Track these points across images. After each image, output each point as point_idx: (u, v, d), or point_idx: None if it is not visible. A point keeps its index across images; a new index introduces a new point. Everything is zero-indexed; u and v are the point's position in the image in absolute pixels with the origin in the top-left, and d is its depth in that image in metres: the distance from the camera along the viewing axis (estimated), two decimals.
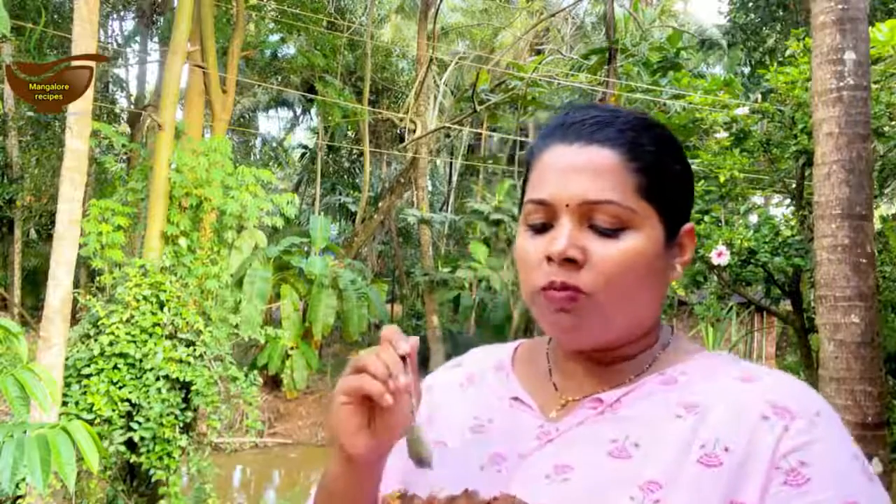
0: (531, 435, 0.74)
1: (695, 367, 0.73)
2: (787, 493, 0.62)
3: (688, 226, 0.76)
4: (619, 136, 0.72)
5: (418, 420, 0.73)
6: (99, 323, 6.27)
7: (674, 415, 0.68)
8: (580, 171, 0.71)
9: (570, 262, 0.69)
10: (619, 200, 0.70)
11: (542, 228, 0.72)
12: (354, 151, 21.66)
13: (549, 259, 0.70)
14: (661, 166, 0.73)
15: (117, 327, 6.16)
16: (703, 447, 0.65)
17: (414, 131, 14.34)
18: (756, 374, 0.70)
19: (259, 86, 19.43)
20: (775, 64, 4.97)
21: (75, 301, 6.03)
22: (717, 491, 0.63)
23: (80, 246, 5.73)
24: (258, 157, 24.25)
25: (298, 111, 23.43)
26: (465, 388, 0.84)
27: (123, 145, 8.61)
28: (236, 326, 7.43)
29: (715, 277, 4.87)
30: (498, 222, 14.04)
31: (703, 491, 0.63)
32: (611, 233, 0.70)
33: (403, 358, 0.67)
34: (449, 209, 20.88)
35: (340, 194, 21.93)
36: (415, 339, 0.69)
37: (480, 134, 17.65)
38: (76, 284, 6.58)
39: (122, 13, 18.69)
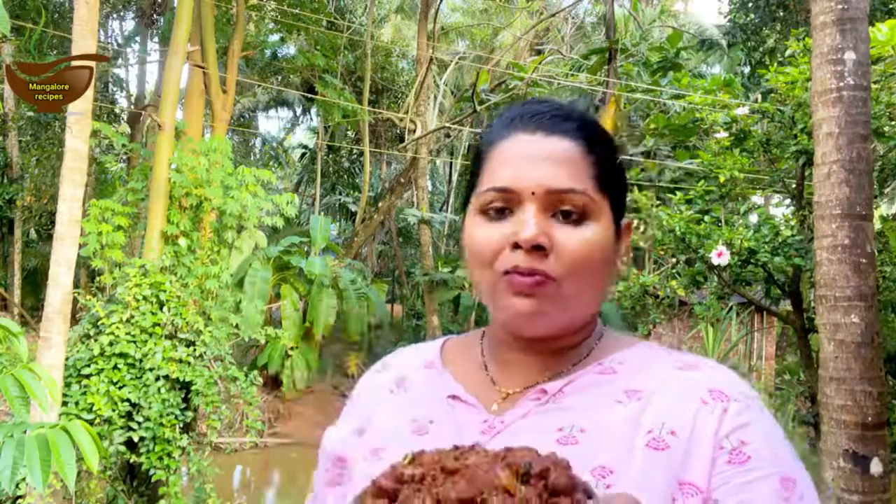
0: (476, 430, 0.73)
1: (632, 356, 0.76)
2: (731, 471, 0.65)
3: (625, 221, 0.78)
4: (578, 129, 0.74)
5: (354, 429, 0.75)
6: (99, 323, 6.26)
7: (615, 401, 0.70)
8: (544, 159, 0.72)
9: (537, 249, 0.69)
10: (582, 189, 0.71)
11: (499, 215, 0.72)
12: (354, 151, 21.66)
13: (516, 245, 0.70)
14: (611, 161, 0.76)
15: (117, 327, 6.16)
16: (649, 432, 0.67)
17: (414, 131, 14.33)
18: (692, 363, 0.73)
19: (259, 86, 19.43)
20: (775, 64, 4.97)
21: (75, 301, 6.03)
22: (666, 472, 0.65)
23: (80, 246, 5.73)
24: (258, 157, 24.26)
25: (298, 111, 23.44)
26: (396, 394, 0.83)
27: (123, 145, 8.61)
28: (236, 326, 7.42)
29: (715, 277, 4.87)
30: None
31: (652, 473, 0.65)
32: (574, 221, 0.71)
33: None
34: (449, 209, 20.88)
35: (340, 194, 21.94)
36: None
37: (480, 134, 17.61)
38: (76, 284, 6.58)
39: (122, 13, 18.69)
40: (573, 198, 0.71)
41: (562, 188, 0.71)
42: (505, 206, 0.72)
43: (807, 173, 4.61)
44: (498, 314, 0.75)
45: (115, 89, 18.61)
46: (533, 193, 0.71)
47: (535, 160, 0.72)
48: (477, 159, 0.78)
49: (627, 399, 0.70)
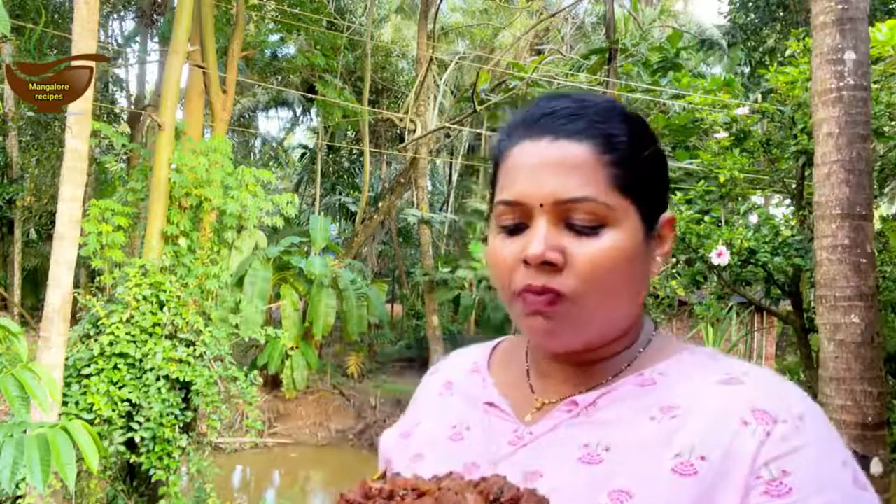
0: (505, 440, 0.72)
1: (674, 366, 0.70)
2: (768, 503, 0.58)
3: (666, 215, 0.72)
4: (591, 127, 0.67)
5: (401, 432, 0.77)
6: (99, 323, 6.26)
7: (648, 417, 0.65)
8: (552, 167, 0.67)
9: (548, 265, 0.66)
10: (596, 196, 0.66)
11: (515, 229, 0.69)
12: (354, 151, 21.66)
13: (527, 262, 0.66)
14: (636, 157, 0.68)
15: (117, 327, 6.16)
16: (678, 455, 0.62)
17: (414, 131, 14.33)
18: (737, 376, 0.66)
19: (259, 86, 19.43)
20: (775, 64, 4.97)
21: (75, 301, 6.03)
22: (691, 501, 0.60)
23: (80, 246, 5.73)
24: (258, 157, 24.27)
25: (298, 111, 23.43)
26: (444, 397, 0.82)
27: (123, 145, 8.61)
28: (236, 326, 7.42)
29: (715, 277, 4.87)
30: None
31: (675, 501, 0.60)
32: (589, 231, 0.66)
33: None
34: (449, 209, 20.88)
35: (340, 194, 21.94)
36: None
37: (480, 134, 17.64)
38: (76, 284, 6.58)
39: (122, 13, 18.69)
40: (585, 206, 0.66)
41: (571, 197, 0.66)
42: (519, 219, 0.68)
43: (807, 173, 4.61)
44: (522, 331, 0.73)
45: (115, 89, 18.62)
46: (542, 206, 0.66)
47: (542, 169, 0.67)
48: (493, 167, 0.74)
49: (661, 415, 0.65)
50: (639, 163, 0.69)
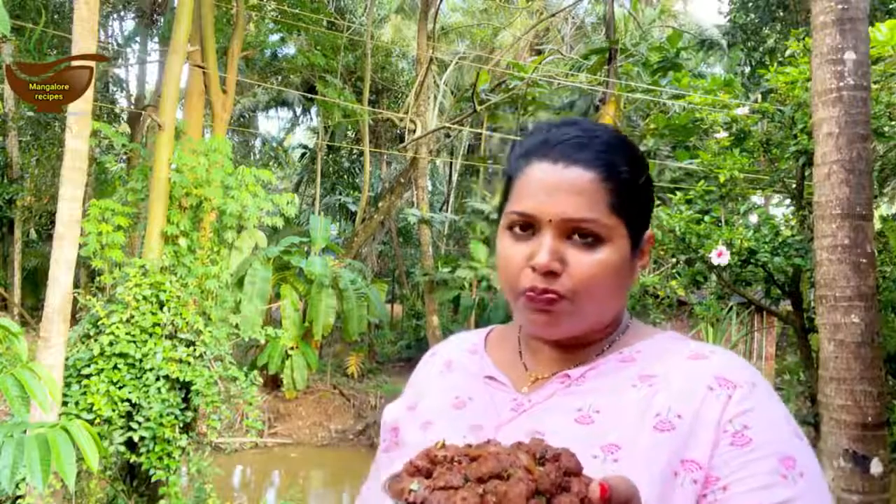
0: (507, 407, 0.84)
1: (650, 346, 0.84)
2: (733, 452, 0.72)
3: (648, 232, 0.87)
4: (597, 157, 0.80)
5: (407, 405, 0.90)
6: (99, 323, 6.26)
7: (630, 385, 0.79)
8: (563, 190, 0.79)
9: (550, 273, 0.78)
10: (596, 218, 0.79)
11: (524, 233, 0.82)
12: (354, 151, 21.67)
13: (534, 268, 0.79)
14: (631, 184, 0.82)
15: (117, 327, 6.16)
16: (657, 415, 0.74)
17: (414, 131, 14.32)
18: (703, 353, 0.80)
19: (259, 86, 19.42)
20: (775, 64, 4.96)
21: (75, 301, 6.03)
22: (670, 451, 0.72)
23: (80, 246, 5.72)
24: (258, 157, 24.26)
25: (298, 111, 23.43)
26: (445, 374, 0.95)
27: (123, 145, 8.61)
28: (236, 326, 7.42)
29: (715, 277, 4.87)
30: (498, 222, 14.02)
31: (656, 451, 0.72)
32: (588, 246, 0.79)
33: None
34: (449, 209, 20.87)
35: (340, 194, 21.94)
36: None
37: (480, 134, 17.64)
38: (76, 284, 6.58)
39: (122, 13, 18.69)
40: (587, 225, 0.79)
41: (576, 217, 0.79)
42: (528, 227, 0.81)
43: (807, 173, 4.61)
44: (523, 325, 0.86)
45: (115, 89, 18.61)
46: (550, 221, 0.79)
47: (554, 190, 0.80)
48: (507, 179, 0.87)
49: (641, 384, 0.78)
50: (633, 189, 0.82)
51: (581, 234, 0.79)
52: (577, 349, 0.85)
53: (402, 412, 0.94)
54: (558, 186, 0.80)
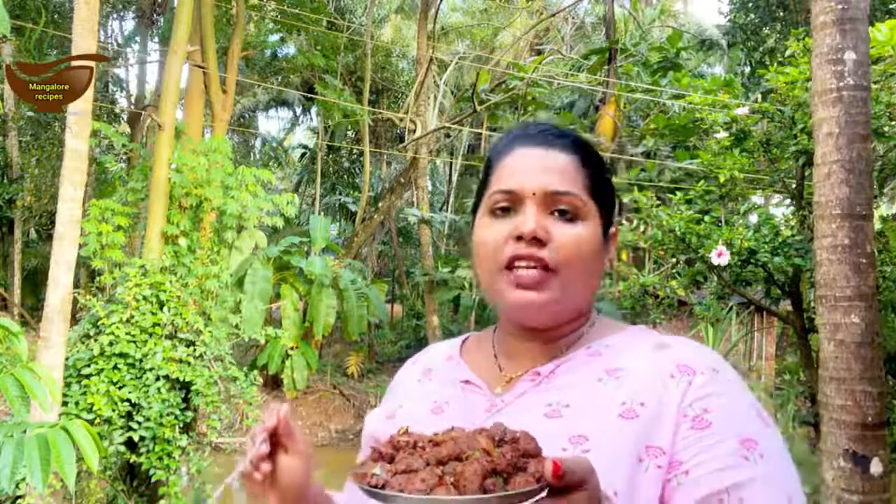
0: (482, 409, 0.86)
1: (617, 339, 0.87)
2: (694, 436, 0.74)
3: (613, 229, 0.91)
4: (574, 145, 0.88)
5: (386, 414, 0.93)
6: (99, 323, 6.26)
7: (597, 379, 0.81)
8: (545, 167, 0.85)
9: (536, 241, 0.81)
10: (576, 193, 0.84)
11: (503, 214, 0.85)
12: (354, 151, 21.66)
13: (518, 238, 0.82)
14: (602, 175, 0.89)
15: (117, 327, 6.16)
16: (623, 404, 0.77)
17: (414, 131, 14.32)
18: (667, 343, 0.84)
19: (259, 86, 19.43)
20: (775, 64, 4.96)
21: (75, 301, 6.02)
22: (635, 438, 0.74)
23: (80, 246, 5.72)
24: (258, 157, 24.25)
25: (298, 111, 23.43)
26: (423, 382, 0.98)
27: (123, 145, 8.61)
28: (236, 326, 7.42)
29: (715, 277, 4.87)
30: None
31: (622, 438, 0.74)
32: (567, 219, 0.83)
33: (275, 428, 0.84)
34: (449, 209, 20.87)
35: (340, 194, 21.92)
36: (284, 409, 0.87)
37: (480, 134, 17.63)
38: (76, 284, 6.58)
39: (122, 13, 18.69)
40: (568, 199, 0.83)
41: (558, 190, 0.83)
42: (509, 205, 0.85)
43: (807, 173, 4.61)
44: (504, 307, 0.86)
45: (115, 89, 18.62)
46: (534, 194, 0.83)
47: (536, 168, 0.85)
48: (486, 169, 0.91)
49: (608, 377, 0.81)
50: (603, 180, 0.89)
51: (561, 210, 0.83)
52: (549, 344, 0.88)
53: (381, 421, 0.96)
54: (541, 164, 0.85)
